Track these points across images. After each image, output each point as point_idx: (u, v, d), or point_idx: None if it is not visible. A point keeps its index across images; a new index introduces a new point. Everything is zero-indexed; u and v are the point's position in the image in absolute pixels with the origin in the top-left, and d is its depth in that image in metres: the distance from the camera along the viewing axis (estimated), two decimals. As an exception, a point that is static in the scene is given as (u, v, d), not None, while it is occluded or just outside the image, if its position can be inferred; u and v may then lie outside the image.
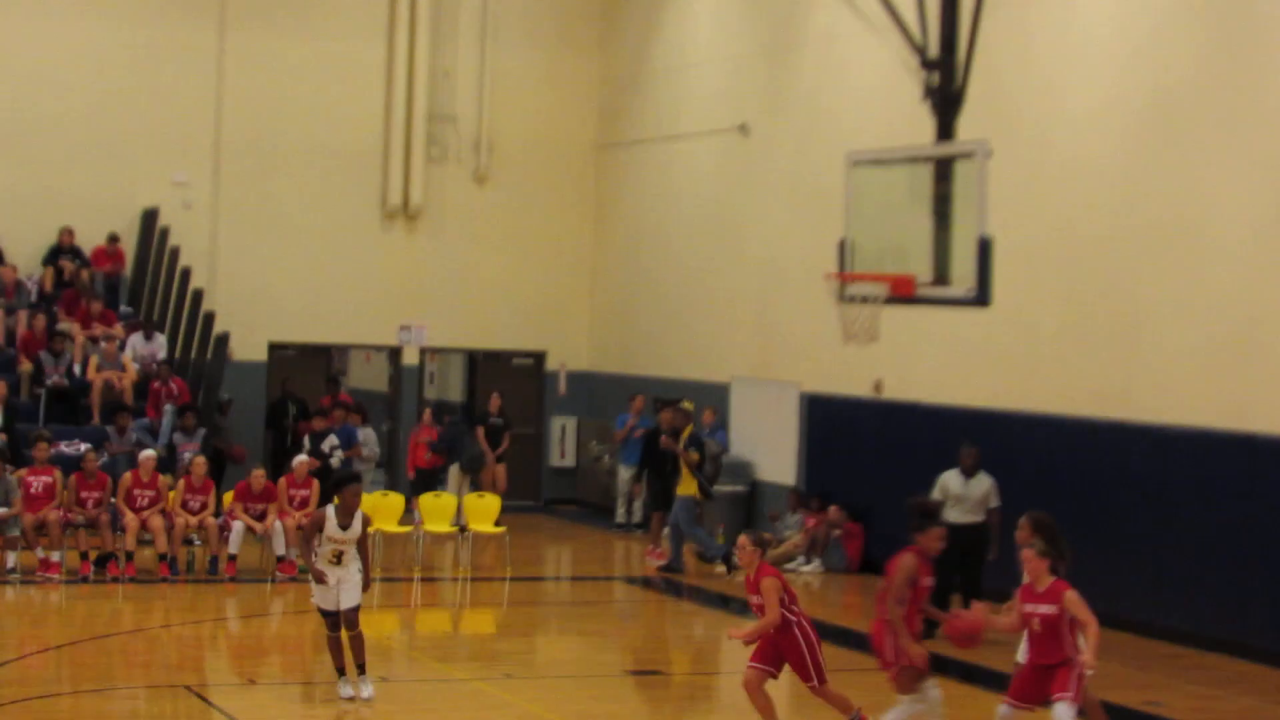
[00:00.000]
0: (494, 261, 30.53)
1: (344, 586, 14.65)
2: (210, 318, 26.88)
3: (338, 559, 14.70)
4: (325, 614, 14.81)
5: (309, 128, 29.50)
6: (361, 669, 14.89)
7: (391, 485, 27.50)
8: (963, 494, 18.84)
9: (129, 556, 21.39)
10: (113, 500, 21.57)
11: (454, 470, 27.05)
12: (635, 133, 30.21)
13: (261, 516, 21.88)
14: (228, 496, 22.28)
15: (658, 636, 20.66)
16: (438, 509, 23.81)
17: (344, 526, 14.81)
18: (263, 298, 29.08)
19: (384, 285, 30.07)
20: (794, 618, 12.70)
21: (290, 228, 29.44)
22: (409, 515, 24.24)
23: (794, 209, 25.38)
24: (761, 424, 26.18)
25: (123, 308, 28.07)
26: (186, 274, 27.62)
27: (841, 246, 20.06)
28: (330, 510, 14.84)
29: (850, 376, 23.83)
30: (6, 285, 27.27)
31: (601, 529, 28.05)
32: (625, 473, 27.82)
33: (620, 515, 28.01)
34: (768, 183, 26.21)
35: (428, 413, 26.91)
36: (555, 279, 31.10)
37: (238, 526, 21.70)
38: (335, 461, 23.90)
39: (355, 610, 14.71)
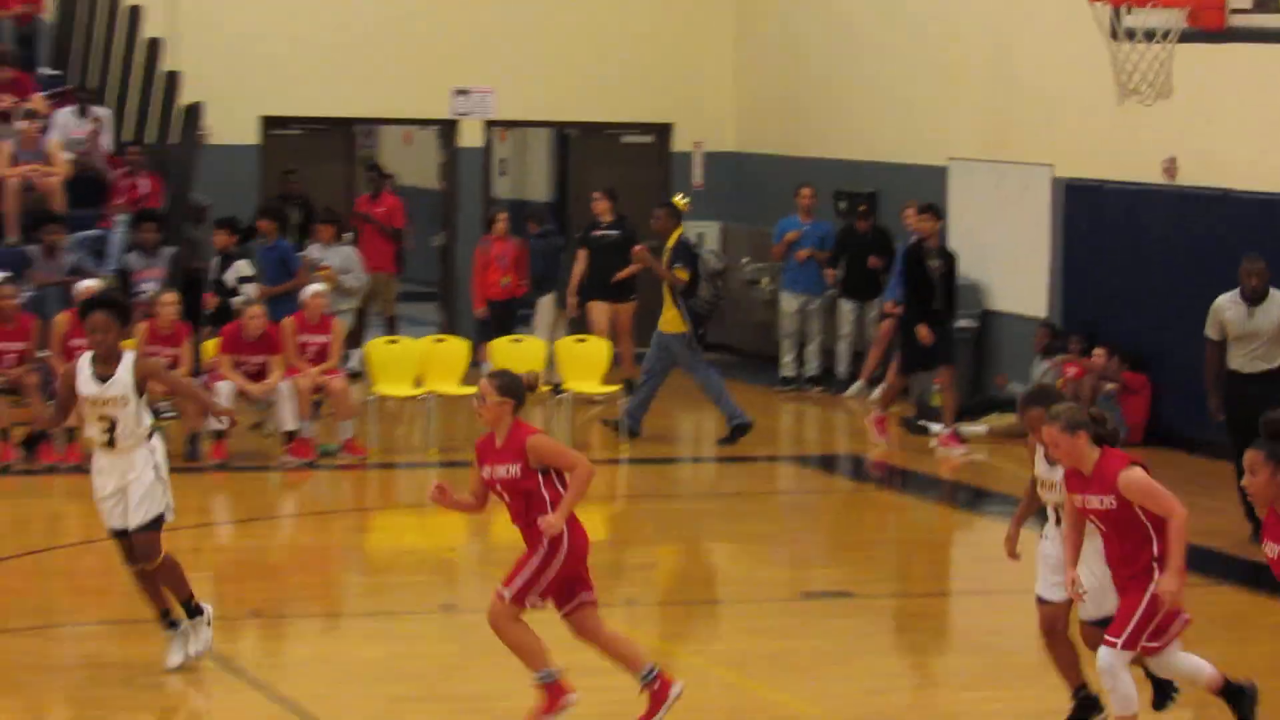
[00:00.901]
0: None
1: (130, 489, 14.06)
2: (174, 80, 27.56)
3: (108, 435, 14.09)
4: (113, 535, 14.50)
5: None
6: (190, 610, 14.58)
7: (450, 327, 27.85)
8: (1244, 329, 18.72)
9: (70, 435, 21.80)
10: (42, 354, 22.19)
11: (544, 303, 27.57)
12: None
13: (259, 374, 22.47)
14: (209, 346, 22.90)
15: (847, 542, 20.73)
16: (519, 359, 24.17)
17: (101, 378, 14.08)
18: (251, 54, 29.55)
19: (431, 34, 30.47)
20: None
21: None
22: (476, 370, 24.59)
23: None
24: (995, 227, 26.32)
25: (44, 70, 28.63)
26: (136, 14, 28.22)
27: (1116, -42, 20.02)
28: (85, 358, 14.18)
29: (1129, 153, 23.81)
30: None
31: (760, 386, 28.35)
32: (791, 303, 28.17)
33: (787, 366, 28.34)
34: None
35: (501, 217, 27.13)
36: (684, 20, 31.44)
37: (225, 389, 22.24)
38: (241, 301, 24.08)
39: (147, 532, 14.09)
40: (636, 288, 26.87)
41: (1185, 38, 19.74)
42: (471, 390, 23.78)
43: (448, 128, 31.12)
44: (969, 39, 26.71)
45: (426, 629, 16.55)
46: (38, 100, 27.26)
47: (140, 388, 13.99)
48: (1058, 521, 12.63)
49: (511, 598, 12.50)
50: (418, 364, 24.54)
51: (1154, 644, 11.75)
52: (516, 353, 24.10)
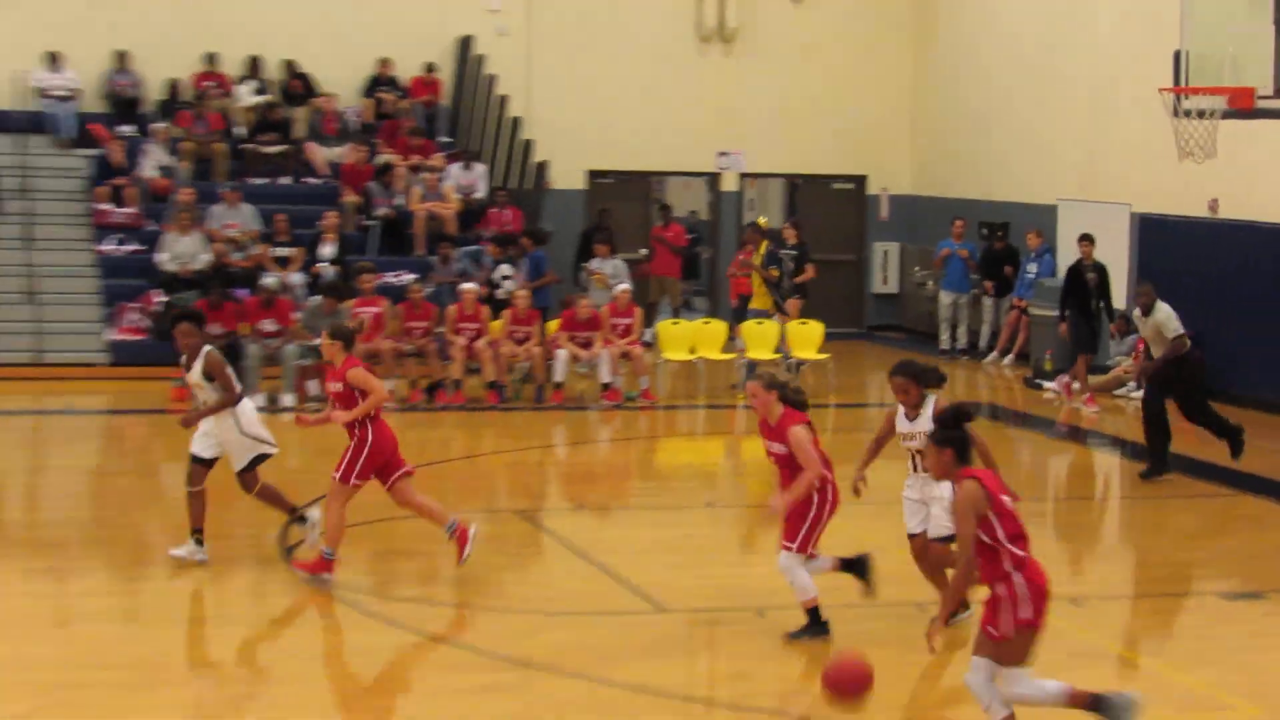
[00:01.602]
0: (812, 85, 30.80)
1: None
2: (528, 146, 27.76)
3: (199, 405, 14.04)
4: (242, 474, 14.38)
5: None
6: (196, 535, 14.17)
7: (713, 312, 28.10)
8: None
9: (457, 384, 22.50)
10: (439, 330, 22.74)
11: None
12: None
13: (587, 345, 22.84)
14: (552, 325, 23.23)
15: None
16: (760, 336, 24.44)
17: (188, 368, 14.05)
18: (580, 125, 29.67)
19: (701, 111, 30.44)
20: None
21: (605, 53, 30.00)
22: (731, 343, 24.98)
23: (1125, 22, 25.19)
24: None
25: (441, 138, 28.99)
26: (503, 102, 28.46)
27: (1176, 59, 19.91)
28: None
29: (1185, 195, 23.68)
30: (327, 117, 28.44)
31: (926, 355, 28.09)
32: (946, 298, 28.19)
33: (944, 341, 28.33)
34: (1097, -4, 26.07)
35: (749, 235, 27.31)
36: (875, 102, 31.24)
37: (562, 355, 22.69)
38: (503, 292, 24.18)
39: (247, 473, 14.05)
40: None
41: (1226, 115, 19.68)
42: (730, 357, 24.36)
43: (713, 178, 31.14)
44: (1070, 122, 26.61)
45: (695, 518, 16.66)
46: (437, 158, 27.67)
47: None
48: (914, 469, 12.05)
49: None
50: (692, 338, 24.82)
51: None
52: (760, 332, 24.41)
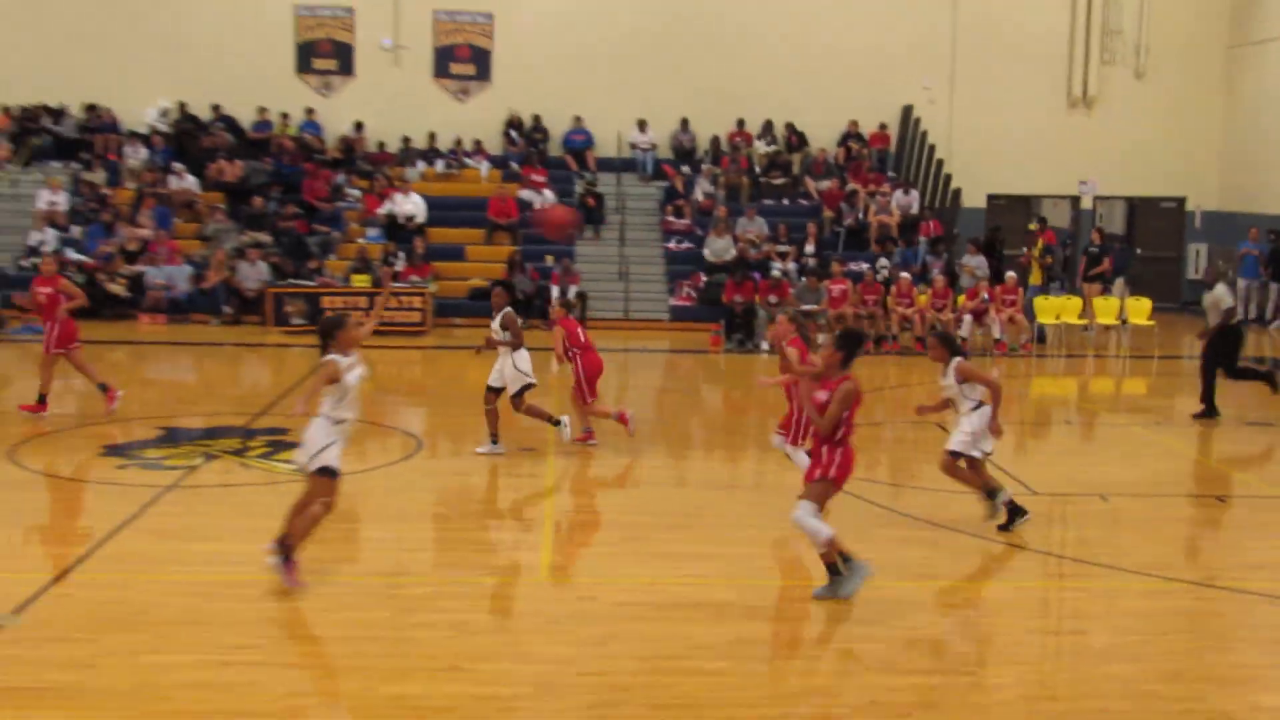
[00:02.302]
0: (1146, 133, 29.87)
1: None
2: (947, 177, 27.85)
3: None
4: None
5: (1014, 39, 29.52)
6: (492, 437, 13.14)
7: (1074, 290, 28.41)
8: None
9: (894, 338, 22.36)
10: (885, 299, 22.95)
11: (1121, 281, 26.94)
12: (1265, 32, 29.11)
13: (981, 313, 22.84)
14: (960, 298, 23.23)
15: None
16: (1106, 307, 24.68)
17: (494, 319, 13.21)
18: (983, 162, 29.35)
19: (1069, 153, 29.95)
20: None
21: (1000, 112, 29.59)
22: (1085, 312, 24.79)
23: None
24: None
25: (889, 173, 28.85)
26: (931, 148, 28.59)
27: None
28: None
29: None
30: (815, 160, 28.42)
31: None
32: (1241, 284, 27.13)
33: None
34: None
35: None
36: (1192, 143, 30.26)
37: (966, 320, 22.58)
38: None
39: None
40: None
41: None
42: (1084, 322, 23.77)
43: (1075, 200, 30.68)
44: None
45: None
46: (885, 186, 27.42)
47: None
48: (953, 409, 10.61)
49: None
50: (1057, 307, 24.43)
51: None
52: (1106, 304, 24.05)
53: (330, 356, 8.76)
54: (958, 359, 10.64)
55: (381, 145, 28.58)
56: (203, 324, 23.91)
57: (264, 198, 26.52)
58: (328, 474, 8.74)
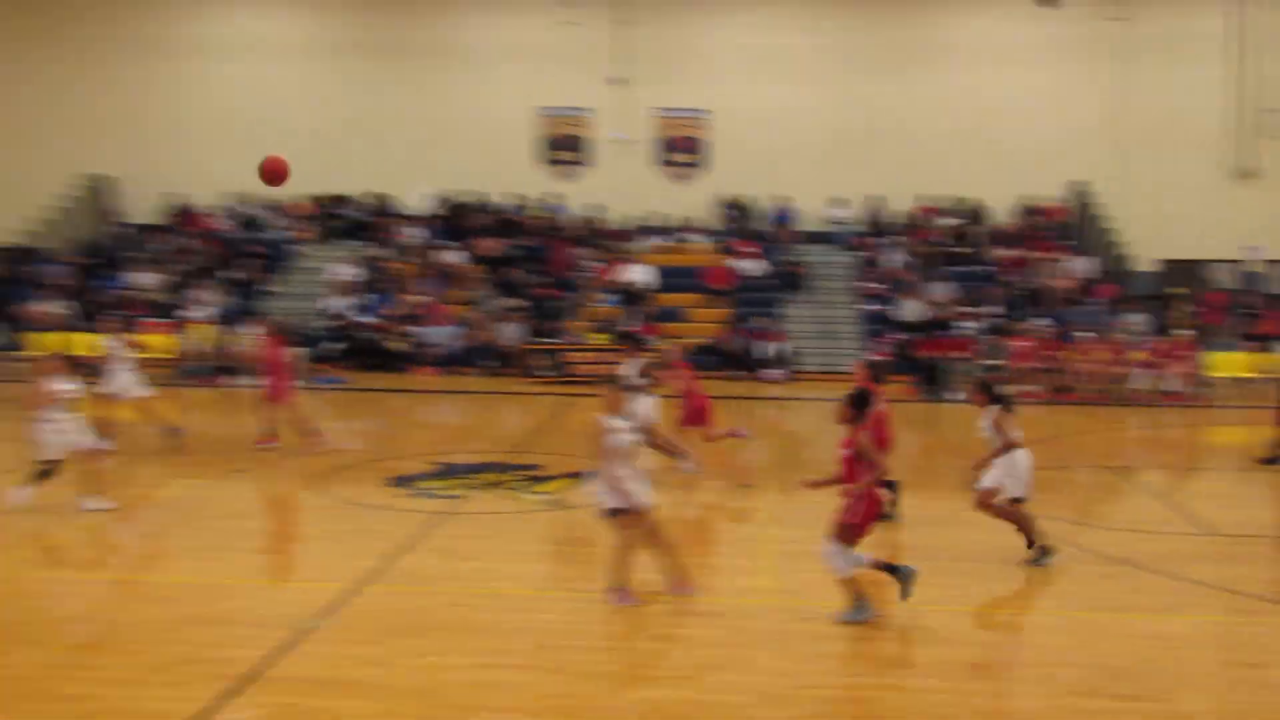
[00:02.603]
0: None
1: None
2: (1116, 244, 27.15)
3: None
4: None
5: (1178, 119, 28.73)
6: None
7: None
8: None
9: (1072, 389, 21.83)
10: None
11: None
12: None
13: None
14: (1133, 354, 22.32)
15: None
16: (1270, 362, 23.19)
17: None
18: (1152, 228, 28.48)
19: (1234, 224, 28.77)
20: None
21: (1170, 183, 28.66)
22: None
23: None
24: None
25: (1068, 241, 28.07)
26: (1105, 219, 27.88)
27: None
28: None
29: None
30: (995, 231, 27.89)
31: None
32: None
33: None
34: None
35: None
36: None
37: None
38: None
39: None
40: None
41: None
42: None
43: (1240, 263, 28.85)
44: None
45: None
46: (1060, 253, 26.66)
47: None
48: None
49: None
50: (1226, 362, 23.48)
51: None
52: None
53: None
54: (995, 406, 10.06)
55: (614, 222, 28.98)
56: (468, 375, 24.45)
57: (519, 268, 27.29)
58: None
